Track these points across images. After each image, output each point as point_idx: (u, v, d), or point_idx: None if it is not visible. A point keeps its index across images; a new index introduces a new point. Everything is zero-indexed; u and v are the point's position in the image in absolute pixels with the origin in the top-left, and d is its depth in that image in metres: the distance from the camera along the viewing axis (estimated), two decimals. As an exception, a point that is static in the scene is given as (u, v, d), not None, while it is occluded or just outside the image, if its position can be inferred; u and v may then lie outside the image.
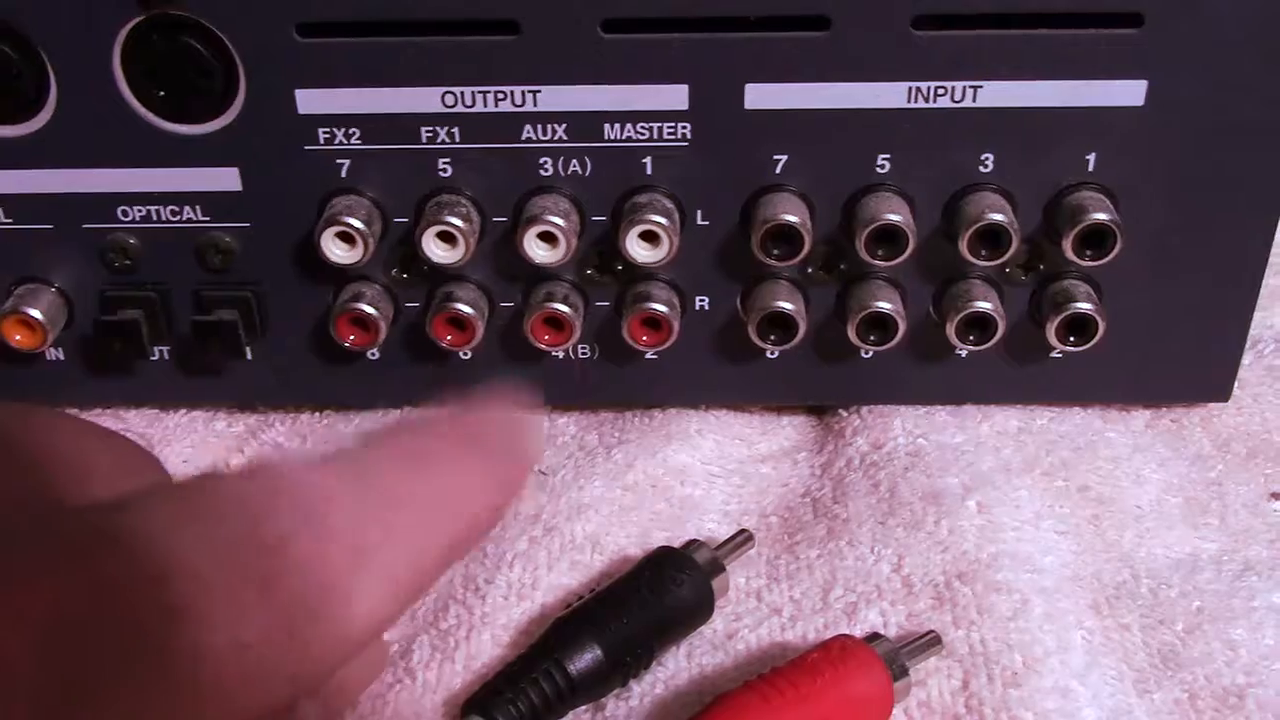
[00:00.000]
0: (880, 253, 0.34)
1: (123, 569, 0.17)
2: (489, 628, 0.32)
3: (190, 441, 0.39)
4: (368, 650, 0.25)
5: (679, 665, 0.31)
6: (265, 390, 0.39)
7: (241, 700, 0.18)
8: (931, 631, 0.30)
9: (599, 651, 0.29)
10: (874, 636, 0.30)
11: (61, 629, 0.17)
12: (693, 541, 0.32)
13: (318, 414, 0.40)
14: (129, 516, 0.18)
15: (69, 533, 0.18)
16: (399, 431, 0.21)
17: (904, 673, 0.29)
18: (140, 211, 0.35)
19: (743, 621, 0.32)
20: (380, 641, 0.26)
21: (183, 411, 0.40)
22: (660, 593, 0.31)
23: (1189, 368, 0.38)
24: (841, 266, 0.36)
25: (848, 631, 0.31)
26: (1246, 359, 0.39)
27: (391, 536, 0.19)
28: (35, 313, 0.36)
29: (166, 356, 0.38)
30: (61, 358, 0.38)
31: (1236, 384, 0.38)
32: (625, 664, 0.30)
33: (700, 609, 0.31)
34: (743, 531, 0.33)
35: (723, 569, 0.32)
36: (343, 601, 0.19)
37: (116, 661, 0.17)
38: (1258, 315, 0.37)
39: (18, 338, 0.36)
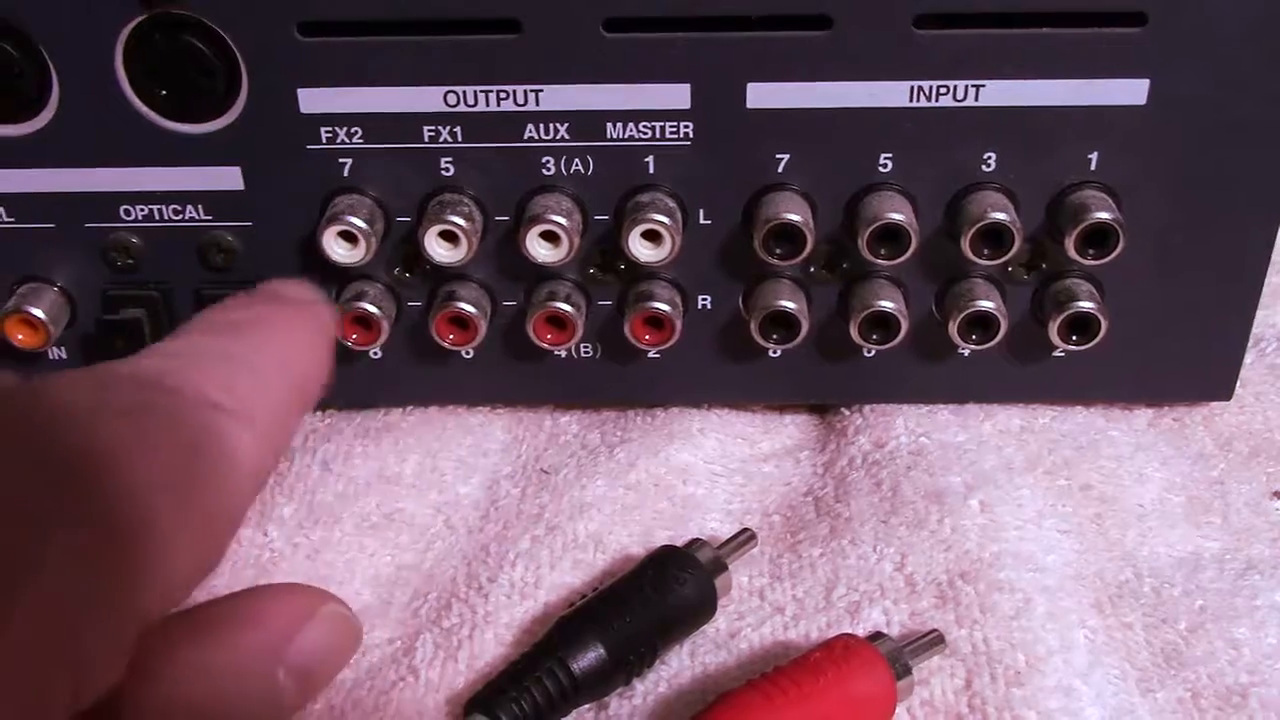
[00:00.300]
0: (882, 252, 0.34)
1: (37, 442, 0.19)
2: (492, 626, 0.32)
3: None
4: (339, 631, 0.25)
5: (682, 664, 0.31)
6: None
7: (151, 576, 0.19)
8: (934, 630, 0.30)
9: (602, 650, 0.29)
10: (877, 635, 0.30)
11: None
12: (695, 540, 0.32)
13: (320, 412, 0.40)
14: (45, 396, 0.20)
15: None
16: (208, 317, 0.24)
17: (907, 671, 0.29)
18: (142, 211, 0.36)
19: (745, 620, 0.32)
20: (353, 622, 0.26)
21: (185, 411, 0.40)
22: (663, 591, 0.31)
23: (1191, 366, 0.38)
24: (844, 265, 0.36)
25: (850, 630, 0.31)
26: (1248, 358, 0.39)
27: (246, 386, 0.22)
28: (38, 312, 0.36)
29: (169, 356, 0.38)
30: (64, 357, 0.38)
31: (1239, 383, 0.38)
32: (628, 662, 0.30)
33: (703, 608, 0.31)
34: (745, 530, 0.33)
35: (725, 568, 0.32)
36: (222, 446, 0.21)
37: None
38: (1260, 314, 0.37)
39: (20, 337, 0.36)
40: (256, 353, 0.23)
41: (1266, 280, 0.36)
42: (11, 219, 0.36)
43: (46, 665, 0.17)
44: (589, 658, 0.29)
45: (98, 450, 0.19)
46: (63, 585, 0.17)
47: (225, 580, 0.33)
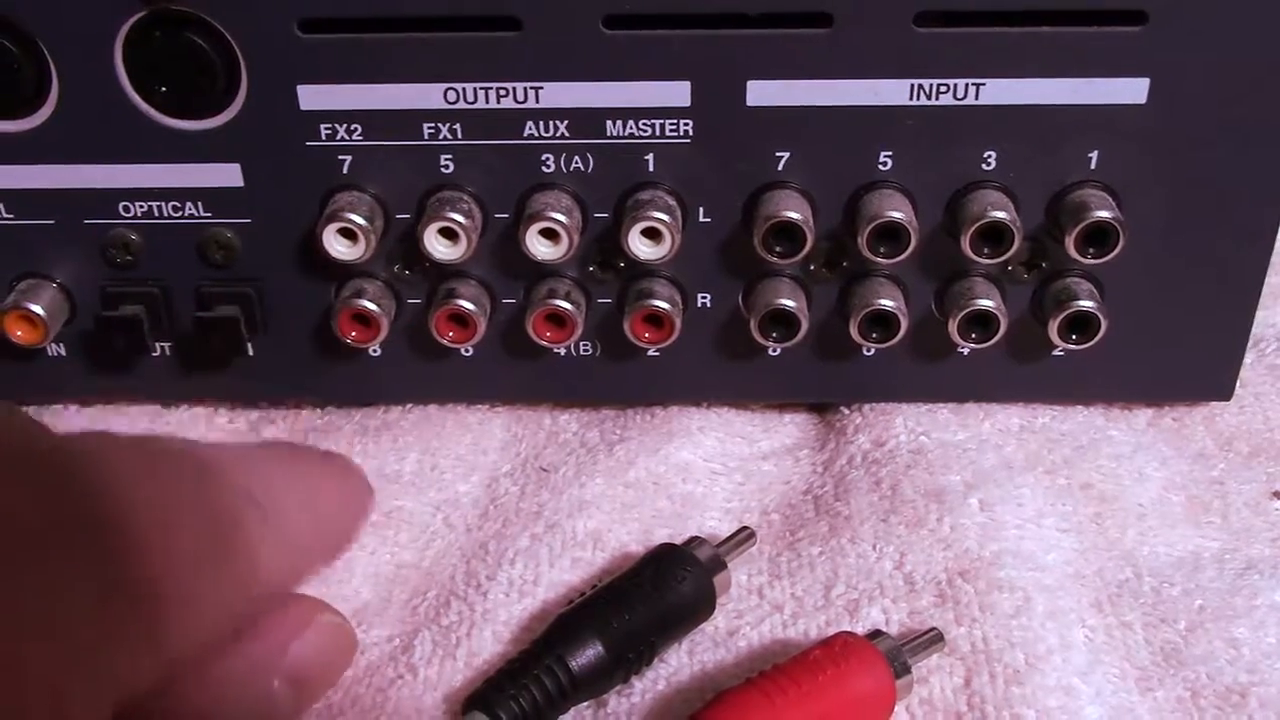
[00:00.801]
0: (882, 250, 0.34)
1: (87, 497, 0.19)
2: (490, 624, 0.32)
3: (193, 436, 0.39)
4: (335, 641, 0.26)
5: (681, 662, 0.31)
6: (267, 386, 0.39)
7: (174, 635, 0.20)
8: (934, 629, 0.30)
9: (601, 648, 0.29)
10: (876, 634, 0.30)
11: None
12: (694, 538, 0.32)
13: (319, 410, 0.40)
14: (92, 452, 0.20)
15: (35, 454, 0.20)
16: (265, 442, 0.27)
17: (906, 670, 0.29)
18: (142, 207, 0.35)
19: (744, 618, 0.32)
20: (348, 632, 0.27)
21: (184, 407, 0.40)
22: (662, 589, 0.31)
23: (1191, 366, 0.38)
24: (843, 264, 0.36)
25: (850, 629, 0.31)
26: (1248, 358, 0.38)
27: (281, 495, 0.23)
28: (37, 308, 0.36)
29: (168, 352, 0.38)
30: (63, 353, 0.38)
31: (1238, 383, 0.38)
32: (627, 660, 0.30)
33: (702, 606, 0.31)
34: (744, 529, 0.33)
35: (724, 566, 0.32)
36: (248, 535, 0.22)
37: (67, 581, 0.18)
38: (1260, 314, 0.37)
39: (19, 333, 0.36)
40: (297, 479, 0.25)
41: (1266, 280, 0.36)
42: (10, 215, 0.36)
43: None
44: (588, 655, 0.29)
45: (133, 519, 0.19)
46: (73, 646, 0.17)
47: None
